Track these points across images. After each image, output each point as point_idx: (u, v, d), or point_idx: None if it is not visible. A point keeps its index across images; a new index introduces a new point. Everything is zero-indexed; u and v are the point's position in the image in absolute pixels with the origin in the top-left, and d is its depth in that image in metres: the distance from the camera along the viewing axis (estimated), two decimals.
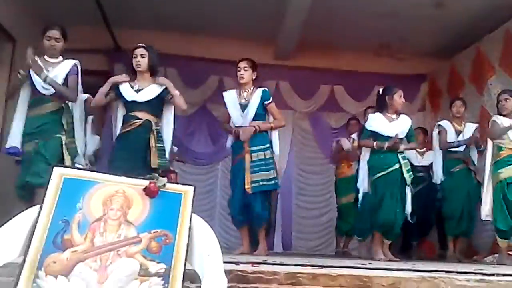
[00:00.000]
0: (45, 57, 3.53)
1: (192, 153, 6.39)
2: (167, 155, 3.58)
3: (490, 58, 5.61)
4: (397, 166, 4.02)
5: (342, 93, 6.80)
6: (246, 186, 3.83)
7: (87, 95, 4.17)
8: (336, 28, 5.91)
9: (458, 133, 4.78)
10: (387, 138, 4.06)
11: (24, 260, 1.68)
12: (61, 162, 3.32)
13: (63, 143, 3.43)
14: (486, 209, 4.09)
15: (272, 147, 4.01)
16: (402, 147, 4.10)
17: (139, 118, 3.49)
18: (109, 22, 5.70)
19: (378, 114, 4.19)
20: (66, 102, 3.56)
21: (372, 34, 6.06)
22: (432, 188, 5.08)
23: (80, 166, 3.46)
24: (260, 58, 5.28)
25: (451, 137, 4.77)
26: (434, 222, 5.27)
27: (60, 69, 3.52)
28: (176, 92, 3.58)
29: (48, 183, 1.80)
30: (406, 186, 4.07)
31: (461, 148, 4.73)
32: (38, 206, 1.79)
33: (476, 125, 4.85)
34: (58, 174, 1.83)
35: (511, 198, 3.91)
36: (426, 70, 7.01)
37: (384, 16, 5.55)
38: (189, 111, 6.44)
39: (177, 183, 2.02)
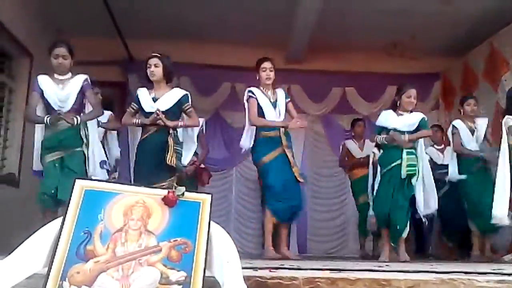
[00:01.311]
0: (55, 75, 3.57)
1: (206, 159, 6.42)
2: (185, 161, 3.70)
3: (504, 54, 5.55)
4: (399, 161, 4.04)
5: (354, 94, 6.80)
6: (298, 179, 3.92)
7: (109, 113, 4.31)
8: (346, 30, 5.91)
9: (472, 131, 4.74)
10: (398, 132, 4.12)
11: (49, 271, 1.72)
12: (86, 175, 3.42)
13: (86, 156, 3.52)
14: (497, 212, 3.98)
15: None
16: (406, 137, 4.10)
17: (156, 124, 3.57)
18: (122, 34, 5.79)
19: (389, 110, 4.28)
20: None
21: (382, 33, 6.05)
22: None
23: (98, 178, 3.51)
24: None
25: (465, 136, 4.73)
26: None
27: (72, 87, 3.56)
28: (187, 123, 3.70)
29: (70, 196, 1.85)
30: (414, 179, 4.05)
31: (476, 147, 4.68)
32: (61, 218, 1.84)
33: (486, 119, 4.80)
34: (80, 186, 1.88)
35: None
36: (439, 69, 6.96)
37: (394, 15, 5.55)
38: (203, 117, 6.53)
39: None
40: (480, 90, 5.96)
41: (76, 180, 1.91)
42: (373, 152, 5.06)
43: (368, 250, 5.50)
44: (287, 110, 4.15)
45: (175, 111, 3.64)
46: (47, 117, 3.47)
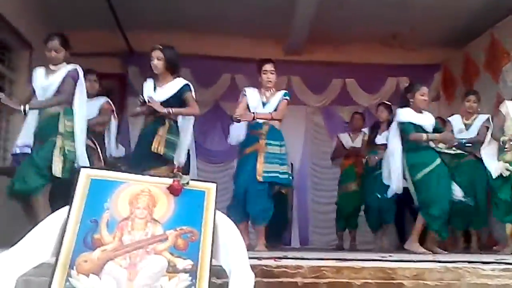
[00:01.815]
0: (50, 66, 3.55)
1: (206, 151, 6.43)
2: (181, 151, 3.62)
3: (504, 45, 5.54)
4: (439, 160, 4.04)
5: (354, 86, 6.79)
6: (257, 175, 3.75)
7: (104, 99, 4.23)
8: (345, 21, 5.89)
9: (467, 127, 4.76)
10: (418, 130, 4.08)
11: (57, 260, 1.72)
12: (50, 166, 3.30)
13: (56, 146, 3.35)
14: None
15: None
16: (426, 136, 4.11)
17: (154, 114, 3.54)
18: (122, 26, 5.76)
19: (407, 108, 4.17)
20: (67, 106, 3.51)
21: (382, 24, 6.03)
22: None
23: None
24: (271, 54, 5.30)
25: (457, 131, 4.75)
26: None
27: (56, 76, 3.51)
28: (182, 111, 3.61)
29: (75, 184, 1.85)
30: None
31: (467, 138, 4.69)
32: (67, 207, 1.84)
33: (486, 116, 4.77)
34: (86, 175, 1.88)
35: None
36: (440, 60, 6.95)
37: (393, 6, 5.52)
38: (202, 110, 6.51)
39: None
40: (481, 81, 5.95)
41: (82, 169, 1.91)
42: (364, 132, 5.22)
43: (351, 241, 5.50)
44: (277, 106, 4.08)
45: (176, 101, 3.57)
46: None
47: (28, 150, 3.49)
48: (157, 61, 3.56)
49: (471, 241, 4.78)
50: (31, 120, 3.53)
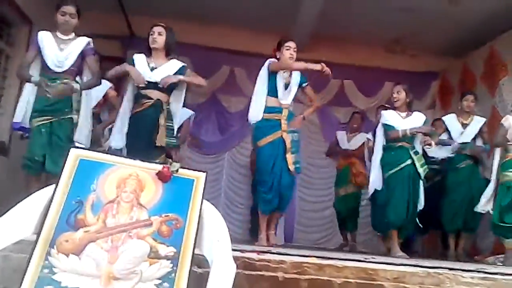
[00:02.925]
0: (57, 33, 3.45)
1: (199, 142, 6.42)
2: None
3: (503, 58, 5.57)
4: (409, 161, 4.04)
5: (352, 88, 6.79)
6: (290, 167, 3.76)
7: (108, 85, 4.18)
8: (349, 22, 5.89)
9: (464, 126, 4.75)
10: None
11: (38, 237, 1.71)
12: (72, 143, 3.29)
13: (74, 123, 3.39)
14: (483, 202, 4.11)
15: None
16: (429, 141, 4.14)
17: (150, 98, 3.44)
18: (124, 9, 5.72)
19: (390, 110, 4.27)
20: (77, 80, 3.49)
21: (385, 29, 6.03)
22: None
23: (81, 145, 3.35)
24: (272, 50, 5.26)
25: (455, 131, 4.76)
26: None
27: (73, 48, 3.44)
28: (192, 79, 3.59)
29: (64, 164, 1.83)
30: (420, 181, 4.07)
31: (466, 140, 4.69)
32: (53, 185, 1.82)
33: (483, 119, 4.79)
34: (74, 155, 1.86)
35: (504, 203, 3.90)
36: (438, 68, 6.97)
37: (398, 11, 5.52)
38: (198, 100, 6.50)
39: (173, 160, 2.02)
40: (477, 92, 5.95)
41: (71, 149, 1.89)
42: (367, 139, 5.09)
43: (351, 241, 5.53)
44: (305, 94, 4.12)
45: (172, 84, 3.50)
46: (41, 79, 3.35)
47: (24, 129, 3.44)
48: (158, 36, 3.51)
49: (450, 246, 4.78)
50: (30, 96, 3.43)
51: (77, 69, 3.48)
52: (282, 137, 3.81)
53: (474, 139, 4.73)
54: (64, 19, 3.43)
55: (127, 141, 3.49)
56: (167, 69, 3.52)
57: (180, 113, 4.97)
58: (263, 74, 3.94)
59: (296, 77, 4.01)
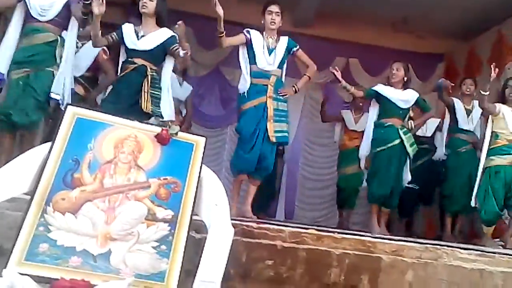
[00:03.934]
0: None
1: (201, 115, 6.36)
2: (166, 108, 3.38)
3: (510, 42, 5.48)
4: (397, 141, 4.04)
5: (357, 66, 6.70)
6: (270, 135, 3.60)
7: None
8: (356, 0, 5.77)
9: (468, 112, 4.71)
10: (394, 106, 4.10)
11: (33, 195, 1.69)
12: (49, 97, 3.14)
13: (54, 76, 3.20)
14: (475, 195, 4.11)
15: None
16: (410, 123, 4.14)
17: (134, 63, 3.28)
18: None
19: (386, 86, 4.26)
20: (61, 34, 3.31)
21: (393, 8, 5.90)
22: (436, 161, 5.05)
23: (57, 97, 3.21)
24: None
25: (461, 116, 4.71)
26: (434, 195, 5.24)
27: None
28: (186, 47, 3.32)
29: (60, 121, 1.80)
30: (407, 159, 4.08)
31: (471, 128, 4.68)
32: (49, 143, 1.79)
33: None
34: (71, 113, 1.83)
35: (497, 186, 3.93)
36: (444, 50, 6.87)
37: None
38: (201, 72, 6.42)
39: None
40: (483, 76, 5.87)
41: (68, 107, 1.85)
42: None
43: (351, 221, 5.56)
44: (297, 59, 3.95)
45: (159, 53, 3.37)
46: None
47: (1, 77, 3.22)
48: (149, 1, 3.33)
49: (446, 226, 4.79)
50: (12, 43, 3.23)
51: (62, 21, 3.30)
52: (266, 103, 3.66)
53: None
54: None
55: (105, 103, 3.32)
56: (155, 37, 3.35)
57: (183, 89, 5.00)
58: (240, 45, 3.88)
59: (282, 41, 3.84)
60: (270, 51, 3.79)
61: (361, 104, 5.47)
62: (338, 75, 4.24)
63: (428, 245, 2.16)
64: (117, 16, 5.89)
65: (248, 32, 3.86)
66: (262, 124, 3.63)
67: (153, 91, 3.30)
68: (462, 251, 2.19)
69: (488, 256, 2.18)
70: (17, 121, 3.09)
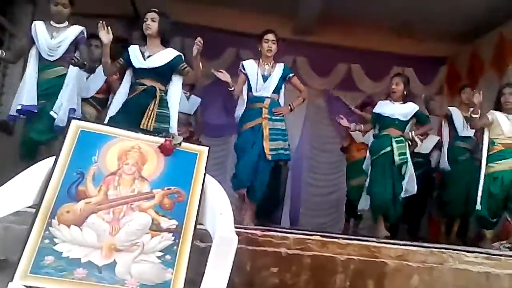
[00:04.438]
0: (51, 22, 3.55)
1: (205, 124, 6.39)
2: (172, 122, 3.45)
3: None
4: (388, 149, 4.08)
5: (360, 72, 6.71)
6: (266, 153, 3.78)
7: None
8: (357, 5, 5.78)
9: (466, 119, 4.70)
10: (390, 119, 4.15)
11: (38, 207, 1.71)
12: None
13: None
14: (479, 201, 4.10)
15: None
16: (409, 134, 4.18)
17: (144, 85, 3.37)
18: None
19: (384, 101, 4.33)
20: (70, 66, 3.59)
21: (394, 12, 5.92)
22: (429, 174, 5.12)
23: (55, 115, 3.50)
24: (279, 32, 5.17)
25: (459, 124, 4.72)
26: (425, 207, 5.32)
27: (65, 36, 3.52)
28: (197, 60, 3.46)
29: (65, 135, 1.82)
30: (404, 167, 4.10)
31: (470, 134, 4.67)
32: (53, 157, 1.81)
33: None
34: (75, 126, 1.85)
35: (495, 192, 3.96)
36: (447, 53, 6.87)
37: None
38: (204, 82, 6.45)
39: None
40: (486, 78, 5.88)
41: (72, 120, 1.88)
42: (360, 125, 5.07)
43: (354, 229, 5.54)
44: (292, 85, 4.14)
45: (166, 72, 3.45)
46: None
47: (34, 109, 3.51)
48: (152, 22, 3.42)
49: (453, 230, 4.80)
50: (32, 78, 3.52)
51: (70, 56, 3.53)
52: (262, 124, 3.86)
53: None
54: (57, 9, 3.52)
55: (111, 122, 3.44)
56: (162, 57, 3.43)
57: (191, 103, 5.08)
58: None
59: (278, 69, 4.04)
60: (266, 78, 4.00)
61: (365, 111, 5.48)
62: (344, 122, 4.54)
63: (433, 249, 2.15)
64: (120, 29, 5.97)
65: (243, 67, 4.10)
66: (259, 143, 3.82)
67: (160, 110, 3.38)
68: (468, 254, 2.18)
69: (494, 259, 2.17)
70: (34, 137, 3.45)
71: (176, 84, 3.52)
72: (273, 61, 4.07)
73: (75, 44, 3.56)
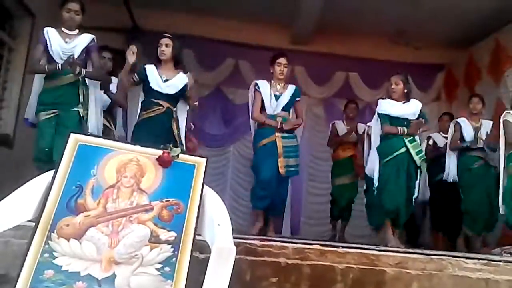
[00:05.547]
0: (63, 29, 3.54)
1: (204, 134, 6.42)
2: (182, 140, 3.76)
3: (508, 50, 5.52)
4: (403, 149, 3.99)
5: (357, 80, 6.76)
6: (280, 170, 4.01)
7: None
8: (354, 14, 5.84)
9: (475, 130, 4.66)
10: (400, 120, 4.06)
11: (38, 221, 1.71)
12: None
13: (81, 116, 3.46)
14: (501, 202, 4.02)
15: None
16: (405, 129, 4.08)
17: (161, 105, 3.61)
18: (128, 2, 5.71)
19: (386, 99, 4.22)
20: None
21: (390, 20, 5.99)
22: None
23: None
24: (277, 42, 5.28)
25: (468, 134, 4.66)
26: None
27: (78, 42, 3.53)
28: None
29: (63, 149, 1.83)
30: (418, 169, 4.03)
31: (479, 145, 4.58)
32: (53, 170, 1.82)
33: (490, 123, 4.69)
34: (74, 139, 1.86)
35: None
36: (443, 60, 6.92)
37: (403, 2, 5.48)
38: (203, 93, 6.49)
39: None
40: (483, 84, 5.93)
41: (71, 134, 1.89)
42: (367, 126, 4.98)
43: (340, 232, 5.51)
44: (294, 108, 4.32)
45: (179, 96, 3.72)
46: (49, 65, 3.43)
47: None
48: (166, 48, 3.66)
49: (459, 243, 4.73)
50: (39, 87, 3.52)
51: (81, 62, 3.54)
52: (276, 141, 4.09)
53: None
54: (70, 15, 3.53)
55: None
56: (178, 82, 3.69)
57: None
58: (250, 95, 4.31)
59: (290, 89, 4.26)
60: (277, 97, 4.23)
61: (351, 115, 5.50)
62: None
63: (432, 256, 2.15)
64: (120, 42, 6.02)
65: (258, 86, 4.27)
66: (274, 160, 4.05)
67: (179, 132, 3.69)
68: (467, 260, 2.18)
69: (493, 265, 2.18)
70: (56, 160, 3.25)
71: (183, 105, 3.81)
72: (284, 82, 4.28)
73: (86, 51, 3.57)
